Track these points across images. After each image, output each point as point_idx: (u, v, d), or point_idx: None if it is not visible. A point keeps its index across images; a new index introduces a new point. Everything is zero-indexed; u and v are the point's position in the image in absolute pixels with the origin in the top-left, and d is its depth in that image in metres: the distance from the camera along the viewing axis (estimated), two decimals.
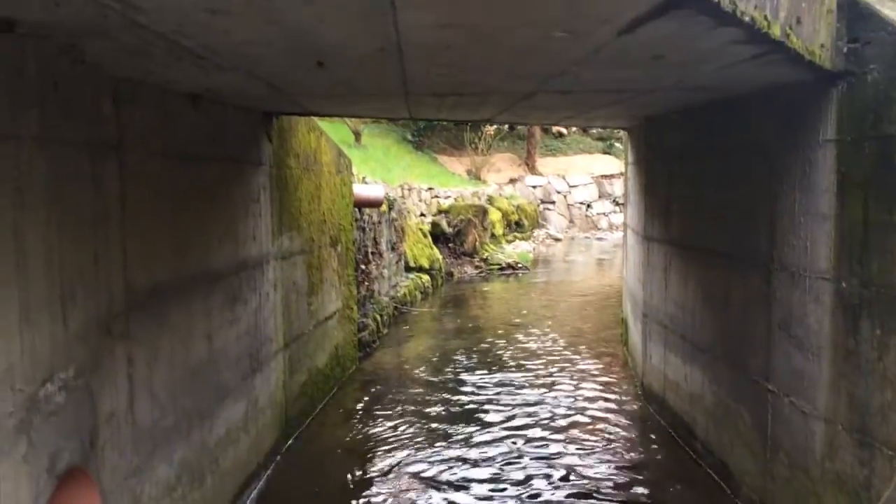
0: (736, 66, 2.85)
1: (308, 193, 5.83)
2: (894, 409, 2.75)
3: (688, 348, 5.00)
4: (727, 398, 4.30)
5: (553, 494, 4.46)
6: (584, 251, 19.77)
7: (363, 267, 8.70)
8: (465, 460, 4.98)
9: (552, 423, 5.73)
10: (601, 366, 7.53)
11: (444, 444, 5.30)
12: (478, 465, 4.90)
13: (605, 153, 27.43)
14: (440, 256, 13.64)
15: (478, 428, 5.64)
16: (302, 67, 2.85)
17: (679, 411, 5.22)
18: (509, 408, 6.12)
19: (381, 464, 4.95)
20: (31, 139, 2.15)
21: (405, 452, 5.14)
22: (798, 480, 3.45)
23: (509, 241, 18.42)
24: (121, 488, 2.75)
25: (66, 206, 2.34)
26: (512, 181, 24.03)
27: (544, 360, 7.76)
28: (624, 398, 6.39)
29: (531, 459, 4.99)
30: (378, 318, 8.82)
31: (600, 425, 5.70)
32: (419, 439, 5.41)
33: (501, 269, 15.12)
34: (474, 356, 7.98)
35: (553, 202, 24.51)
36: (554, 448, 5.21)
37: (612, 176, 25.60)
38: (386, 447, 5.26)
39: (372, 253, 9.18)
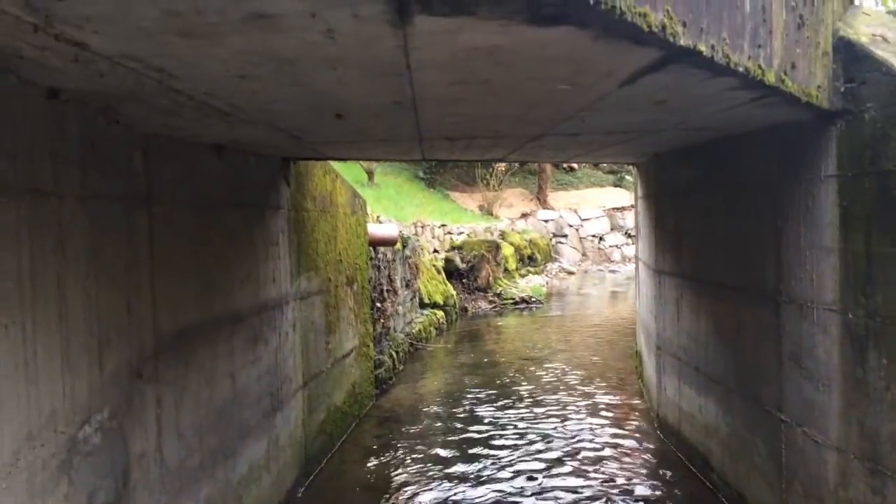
0: (736, 108, 2.97)
1: (325, 235, 5.98)
2: None
3: (702, 380, 5.04)
4: (742, 429, 4.34)
5: None
6: (597, 284, 19.80)
7: (379, 305, 8.80)
8: (483, 497, 5.02)
9: (569, 458, 5.76)
10: (617, 399, 7.55)
11: (460, 480, 5.34)
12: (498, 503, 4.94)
13: (616, 186, 27.60)
14: (454, 292, 13.73)
15: (494, 463, 5.68)
16: (321, 120, 3.01)
17: (695, 443, 5.23)
18: (527, 443, 6.15)
19: (399, 501, 5.00)
20: (72, 197, 2.30)
21: (423, 490, 5.18)
22: None
23: (522, 276, 18.48)
24: None
25: (102, 257, 2.49)
26: (524, 216, 24.20)
27: (560, 395, 7.78)
28: (640, 430, 6.41)
29: (550, 495, 5.02)
30: (394, 354, 8.90)
31: (617, 458, 5.72)
32: (437, 476, 5.45)
33: (515, 303, 15.17)
34: (490, 391, 8.02)
35: (565, 235, 24.61)
36: (572, 482, 5.24)
37: (623, 208, 25.71)
38: (404, 484, 5.30)
39: (387, 290, 9.29)
